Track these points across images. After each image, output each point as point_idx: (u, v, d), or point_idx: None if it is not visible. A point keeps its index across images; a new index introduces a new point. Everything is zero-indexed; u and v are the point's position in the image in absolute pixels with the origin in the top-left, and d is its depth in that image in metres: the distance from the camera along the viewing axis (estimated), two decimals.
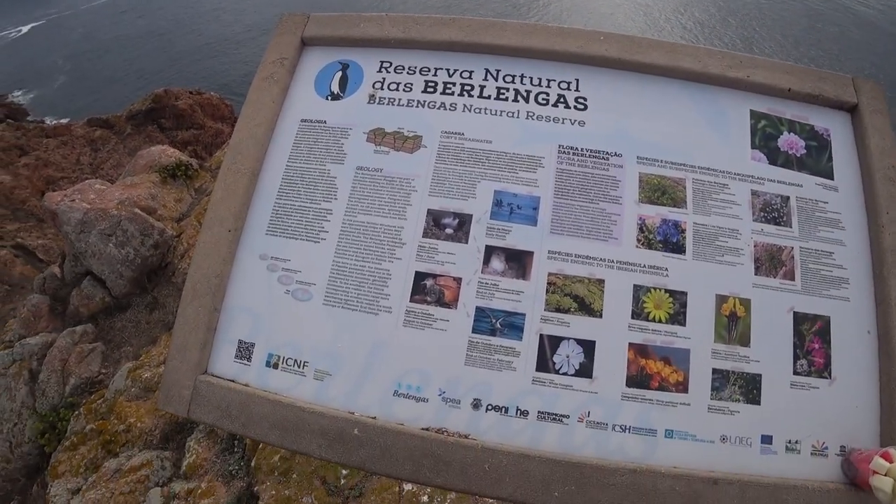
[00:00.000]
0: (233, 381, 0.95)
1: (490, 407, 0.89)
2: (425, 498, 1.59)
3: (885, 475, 0.80)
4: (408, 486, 1.67)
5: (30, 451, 2.89)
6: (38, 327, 3.21)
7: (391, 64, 1.11)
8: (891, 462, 0.81)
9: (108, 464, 2.41)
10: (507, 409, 0.89)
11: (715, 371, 0.92)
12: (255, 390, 0.93)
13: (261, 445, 1.87)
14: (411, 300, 0.93)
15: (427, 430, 0.88)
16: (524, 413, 0.89)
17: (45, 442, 2.80)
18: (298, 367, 0.94)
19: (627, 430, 0.89)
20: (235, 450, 1.99)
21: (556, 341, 0.90)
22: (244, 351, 0.96)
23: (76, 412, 2.76)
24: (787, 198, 1.02)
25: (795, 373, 0.93)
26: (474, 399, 0.89)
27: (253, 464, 1.86)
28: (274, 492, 1.75)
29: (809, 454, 0.92)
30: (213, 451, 2.03)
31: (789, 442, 0.92)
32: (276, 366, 0.95)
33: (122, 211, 2.90)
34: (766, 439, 0.91)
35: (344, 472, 1.72)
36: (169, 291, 3.02)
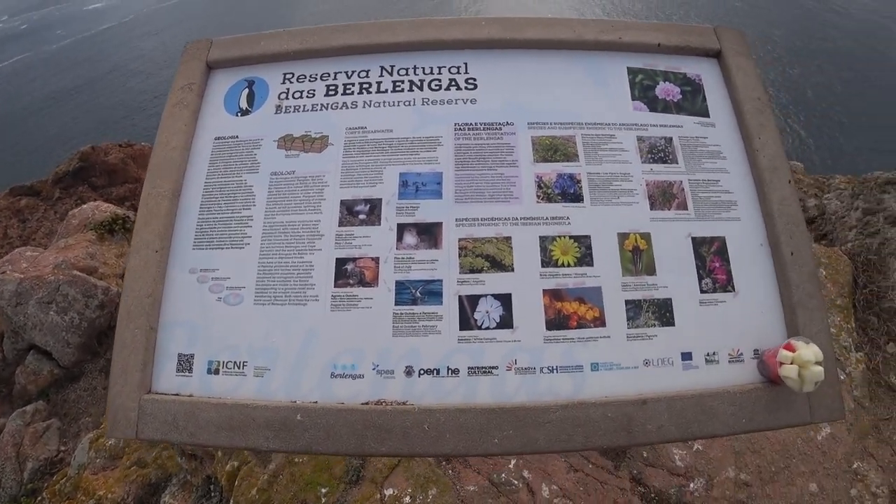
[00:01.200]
0: (177, 394, 1.05)
1: (422, 371, 1.01)
2: (407, 499, 1.67)
3: (791, 364, 0.95)
4: (389, 491, 1.74)
5: None
6: None
7: (293, 75, 1.26)
8: (793, 352, 0.96)
9: None
10: (438, 371, 1.01)
11: (628, 302, 1.06)
12: (200, 398, 1.03)
13: (237, 483, 1.92)
14: (335, 286, 1.06)
15: (366, 404, 1.00)
16: (455, 371, 1.01)
17: None
18: (238, 368, 1.05)
19: (555, 371, 1.02)
20: (212, 494, 2.02)
21: (474, 300, 1.04)
22: (184, 363, 1.06)
23: (39, 498, 2.73)
24: (670, 138, 1.19)
25: (702, 291, 1.09)
26: (406, 367, 1.02)
27: (231, 503, 1.91)
28: None
29: (728, 363, 1.06)
30: (189, 501, 2.06)
31: (708, 354, 1.06)
32: (217, 371, 1.05)
33: (59, 275, 2.95)
34: (687, 356, 1.05)
35: (323, 489, 1.79)
36: None
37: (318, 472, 1.92)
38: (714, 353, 1.06)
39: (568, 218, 1.10)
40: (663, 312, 1.07)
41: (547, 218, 1.10)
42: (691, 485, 1.69)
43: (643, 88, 1.24)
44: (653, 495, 1.70)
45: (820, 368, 0.93)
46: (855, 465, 1.67)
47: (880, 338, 1.95)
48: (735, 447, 1.73)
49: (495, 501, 1.75)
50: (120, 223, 3.53)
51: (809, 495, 1.63)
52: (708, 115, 1.23)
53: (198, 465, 2.29)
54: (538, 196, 1.11)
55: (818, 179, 2.96)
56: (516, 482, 1.77)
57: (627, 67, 1.26)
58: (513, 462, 1.81)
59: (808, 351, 0.94)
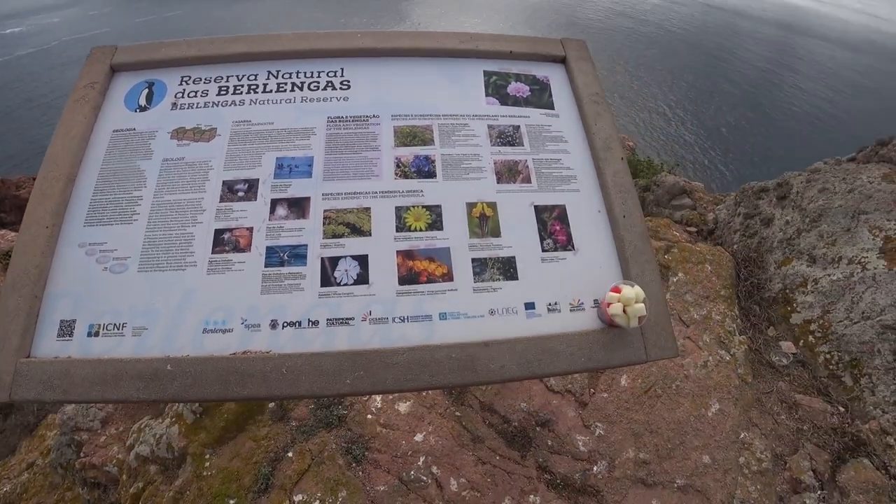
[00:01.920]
0: (56, 357, 1.20)
1: (286, 324, 1.20)
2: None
3: (618, 303, 1.18)
4: (298, 497, 1.82)
5: None
6: None
7: (190, 77, 1.52)
8: (619, 293, 1.19)
9: None
10: (300, 323, 1.20)
11: (474, 260, 1.29)
12: (76, 359, 1.18)
13: None
14: (213, 252, 1.26)
15: (234, 354, 1.17)
16: (315, 323, 1.20)
17: None
18: (118, 329, 1.21)
19: (406, 320, 1.22)
20: None
21: (334, 261, 1.25)
22: (66, 329, 1.22)
23: None
24: (518, 126, 1.48)
25: (544, 250, 1.32)
26: (272, 320, 1.20)
27: None
28: None
29: (569, 311, 1.27)
30: None
31: (550, 304, 1.27)
32: (97, 334, 1.21)
33: None
34: (530, 306, 1.27)
35: (231, 501, 1.84)
36: None
37: (227, 483, 1.99)
38: (556, 303, 1.28)
39: (422, 191, 1.35)
40: (507, 268, 1.29)
41: (403, 191, 1.34)
42: (595, 468, 1.84)
43: (496, 87, 1.54)
44: (559, 481, 1.84)
45: (641, 305, 1.16)
46: (742, 436, 1.85)
47: (762, 323, 2.20)
48: (634, 429, 1.90)
49: (405, 499, 1.85)
50: None
51: (703, 466, 1.79)
52: (553, 108, 1.53)
53: (101, 494, 2.30)
54: (396, 174, 1.36)
55: (716, 197, 3.37)
56: (425, 478, 1.88)
57: (484, 71, 1.57)
58: (422, 459, 1.93)
59: (631, 291, 1.17)
